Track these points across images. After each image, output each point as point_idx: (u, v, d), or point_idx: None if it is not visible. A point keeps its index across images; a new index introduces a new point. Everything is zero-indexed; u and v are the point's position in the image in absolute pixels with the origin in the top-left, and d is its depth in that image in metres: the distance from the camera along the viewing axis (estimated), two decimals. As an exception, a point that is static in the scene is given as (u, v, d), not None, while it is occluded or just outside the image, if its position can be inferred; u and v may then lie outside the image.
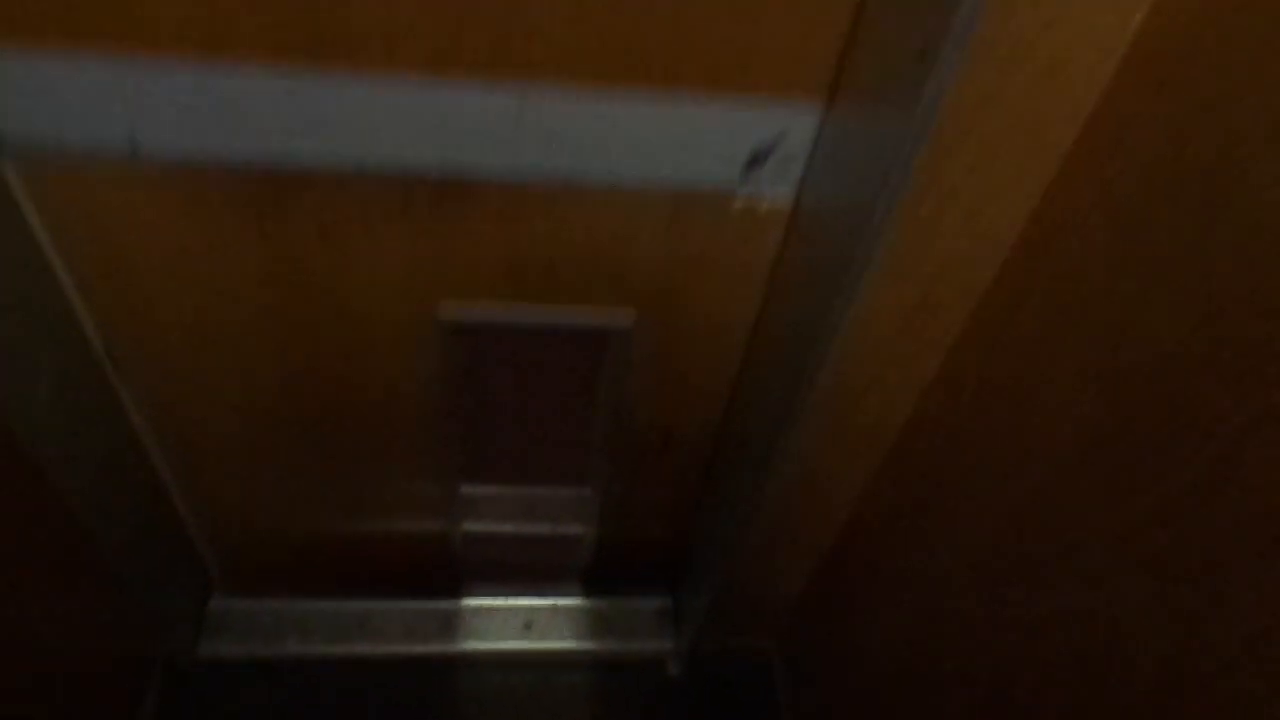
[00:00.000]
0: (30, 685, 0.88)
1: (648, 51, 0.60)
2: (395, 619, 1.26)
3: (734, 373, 0.90)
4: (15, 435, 0.74)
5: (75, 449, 0.82)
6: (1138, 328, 0.53)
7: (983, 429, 0.71)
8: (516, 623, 1.28)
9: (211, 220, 0.70)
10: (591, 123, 0.64)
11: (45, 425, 0.77)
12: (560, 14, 0.58)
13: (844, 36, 0.60)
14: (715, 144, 0.66)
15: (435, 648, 1.25)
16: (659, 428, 0.97)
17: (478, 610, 1.29)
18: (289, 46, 0.58)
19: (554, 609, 1.30)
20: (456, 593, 1.29)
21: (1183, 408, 0.49)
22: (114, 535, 0.92)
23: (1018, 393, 0.66)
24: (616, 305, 0.80)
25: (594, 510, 1.12)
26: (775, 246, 0.75)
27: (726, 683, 1.31)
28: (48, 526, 0.84)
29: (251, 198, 0.69)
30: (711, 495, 1.05)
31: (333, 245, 0.73)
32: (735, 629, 1.26)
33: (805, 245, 0.71)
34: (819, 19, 0.59)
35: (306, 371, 0.87)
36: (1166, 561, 0.51)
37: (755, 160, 0.67)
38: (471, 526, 1.14)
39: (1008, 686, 0.69)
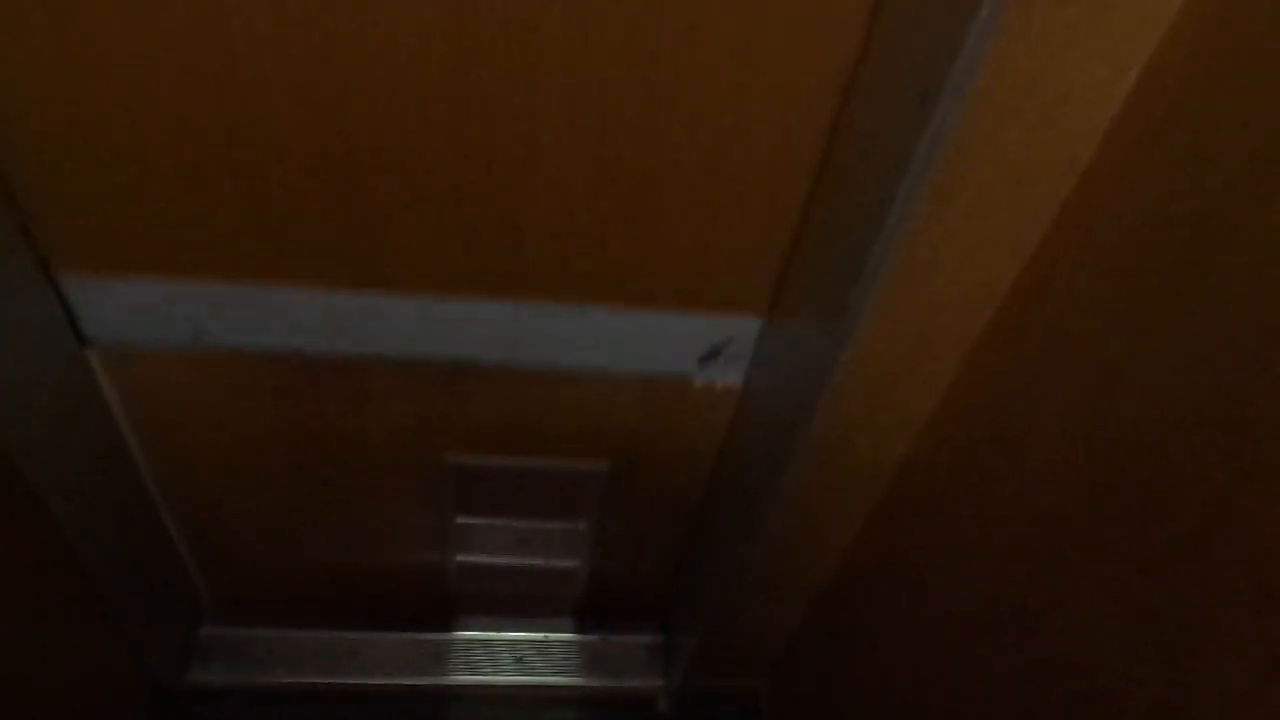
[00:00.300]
0: (20, 710, 0.88)
1: (617, 277, 0.74)
2: (387, 650, 1.25)
3: (700, 496, 1.03)
4: (13, 460, 0.75)
5: (71, 477, 0.82)
6: (1128, 378, 0.54)
7: (976, 474, 0.71)
8: (508, 657, 1.27)
9: (254, 392, 0.85)
10: (575, 326, 0.78)
11: (42, 452, 0.77)
12: (550, 249, 0.71)
13: (784, 256, 0.72)
14: (674, 345, 0.80)
15: (427, 680, 1.24)
16: (633, 542, 1.12)
17: (470, 643, 1.28)
18: (331, 272, 0.72)
19: (545, 643, 1.29)
20: (449, 625, 1.28)
21: (1173, 458, 0.49)
22: (106, 561, 0.92)
23: (1010, 439, 0.66)
24: (594, 457, 0.96)
25: (587, 544, 1.12)
26: (732, 407, 0.89)
27: (717, 722, 1.30)
28: (41, 552, 0.84)
29: (291, 376, 0.82)
30: (704, 535, 1.05)
31: (356, 409, 0.87)
32: (726, 668, 1.25)
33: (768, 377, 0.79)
34: (759, 251, 0.72)
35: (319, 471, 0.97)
36: (1156, 611, 0.51)
37: (709, 356, 0.82)
38: (465, 558, 1.13)
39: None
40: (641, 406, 0.88)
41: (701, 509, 1.04)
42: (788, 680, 1.22)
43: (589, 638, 1.30)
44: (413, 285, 0.73)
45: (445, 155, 0.63)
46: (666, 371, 0.83)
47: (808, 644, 1.13)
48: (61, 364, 0.76)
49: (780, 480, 0.80)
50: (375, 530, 1.08)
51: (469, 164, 0.64)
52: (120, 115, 0.61)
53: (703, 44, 0.58)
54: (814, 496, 0.88)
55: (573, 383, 0.85)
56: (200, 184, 0.65)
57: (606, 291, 0.75)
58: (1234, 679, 0.45)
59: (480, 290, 0.74)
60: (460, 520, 1.06)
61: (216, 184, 0.65)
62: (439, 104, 0.60)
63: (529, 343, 0.79)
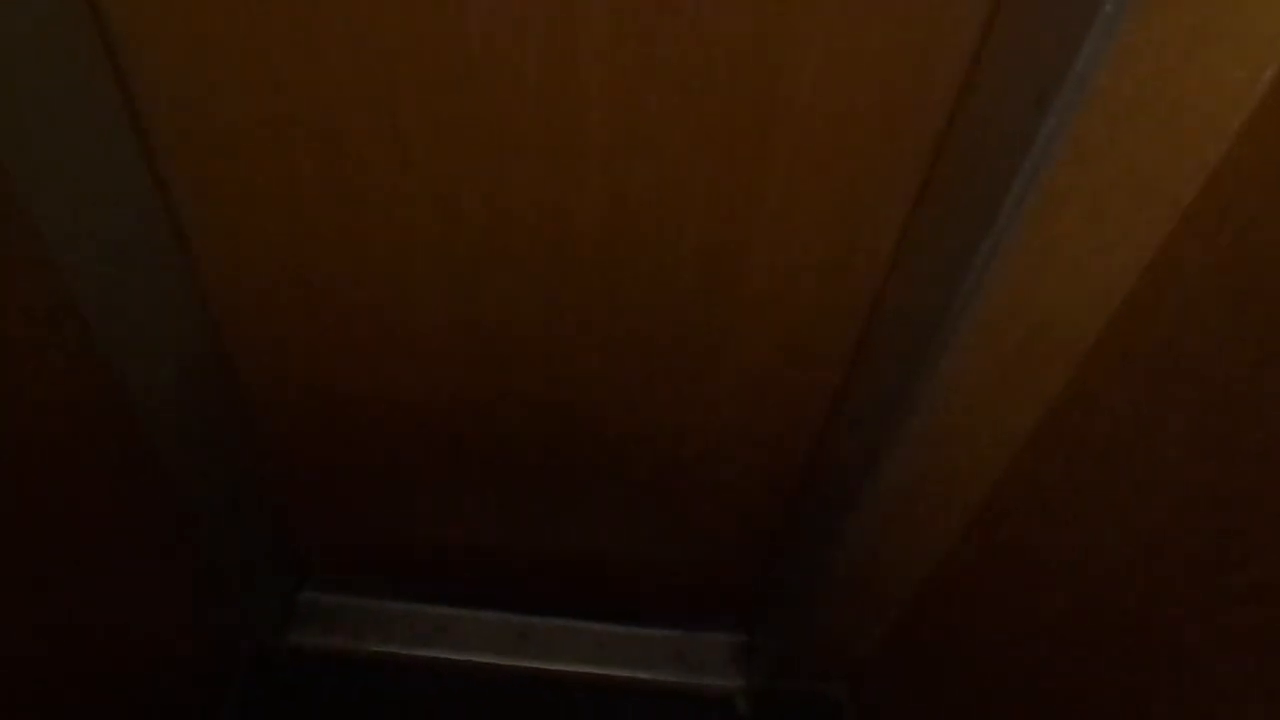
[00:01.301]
0: (134, 668, 0.93)
1: None
2: (473, 628, 1.28)
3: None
4: (133, 418, 0.79)
5: (186, 435, 0.86)
6: (1250, 399, 0.51)
7: (1078, 491, 0.69)
8: (590, 644, 1.29)
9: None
10: None
11: (166, 413, 0.81)
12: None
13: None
14: None
15: (508, 660, 1.26)
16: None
17: (554, 629, 1.30)
18: None
19: (627, 635, 1.30)
20: (535, 609, 1.30)
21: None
22: (215, 519, 0.97)
23: (1116, 456, 0.64)
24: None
25: (671, 538, 1.12)
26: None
27: (796, 727, 1.28)
28: (154, 509, 0.89)
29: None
30: (792, 536, 1.04)
31: None
32: (809, 672, 1.24)
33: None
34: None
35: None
36: (1262, 640, 0.48)
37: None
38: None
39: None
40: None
41: (791, 508, 1.03)
42: (871, 688, 1.20)
43: (671, 633, 1.30)
44: None
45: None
46: None
47: (893, 653, 1.11)
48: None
49: (874, 486, 0.79)
50: (466, 514, 1.10)
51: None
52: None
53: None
54: (907, 505, 0.86)
55: None
56: None
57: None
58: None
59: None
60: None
61: None
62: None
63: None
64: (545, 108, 0.63)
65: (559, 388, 0.89)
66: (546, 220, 0.72)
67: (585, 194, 0.69)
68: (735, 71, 0.60)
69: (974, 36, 0.57)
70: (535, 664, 1.27)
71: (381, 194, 0.71)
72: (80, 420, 0.74)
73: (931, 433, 0.76)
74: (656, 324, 0.81)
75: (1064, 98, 0.49)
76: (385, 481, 1.06)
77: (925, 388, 0.66)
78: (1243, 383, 0.52)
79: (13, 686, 0.74)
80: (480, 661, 1.26)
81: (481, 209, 0.72)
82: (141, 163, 0.69)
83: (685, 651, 1.29)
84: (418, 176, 0.69)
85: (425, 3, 0.59)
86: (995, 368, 0.70)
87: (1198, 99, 0.52)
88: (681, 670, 1.28)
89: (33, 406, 0.68)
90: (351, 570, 1.24)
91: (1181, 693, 0.56)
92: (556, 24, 0.59)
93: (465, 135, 0.66)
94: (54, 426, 0.71)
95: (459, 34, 0.60)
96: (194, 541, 0.97)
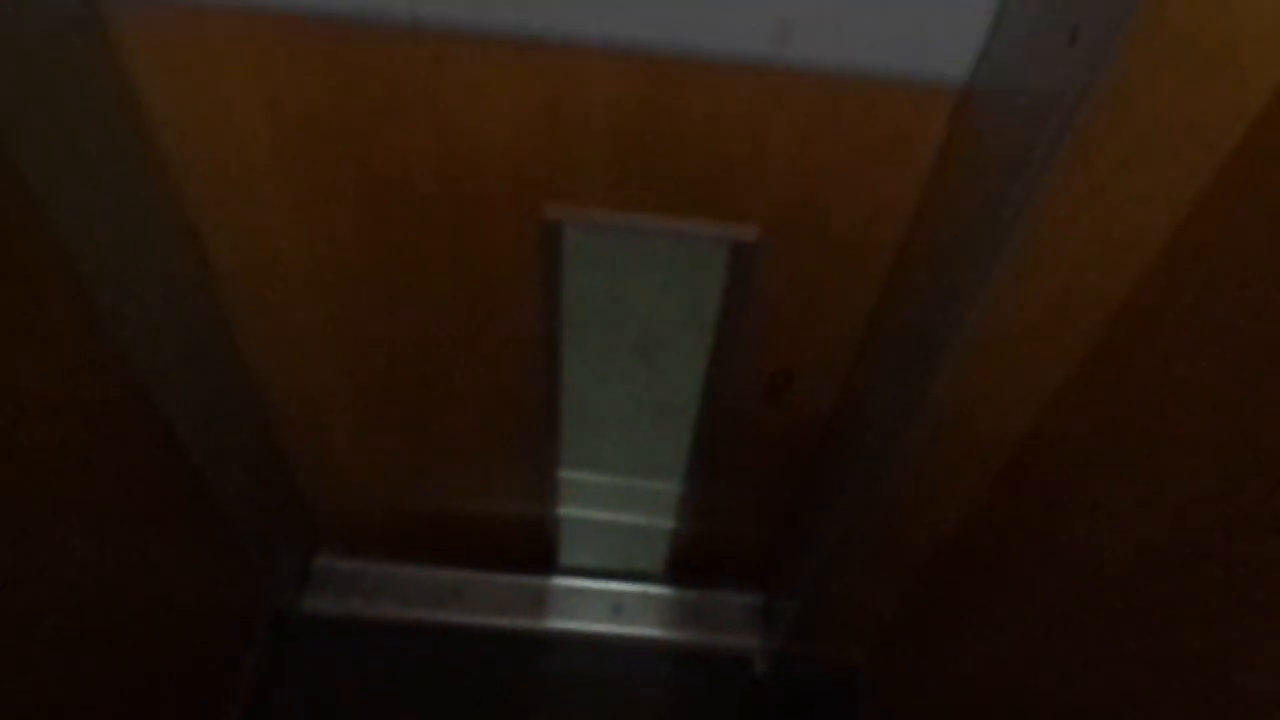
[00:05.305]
0: (152, 632, 0.93)
1: None
2: (489, 591, 1.28)
3: (876, 300, 0.79)
4: (147, 389, 0.78)
5: (200, 404, 0.86)
6: (1297, 351, 0.48)
7: (1110, 450, 0.67)
8: (606, 606, 1.28)
9: (309, 71, 0.64)
10: None
11: (174, 381, 0.81)
12: None
13: None
14: (879, 20, 0.56)
15: (525, 623, 1.27)
16: (779, 367, 0.86)
17: (569, 591, 1.29)
18: None
19: (644, 595, 1.29)
20: (550, 572, 1.30)
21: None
22: (231, 486, 0.96)
23: (1152, 415, 0.61)
24: (739, 219, 0.72)
25: (690, 502, 1.11)
26: (945, 127, 0.63)
27: (812, 688, 1.28)
28: (171, 475, 0.88)
29: (357, 52, 0.62)
30: (812, 497, 1.02)
31: (436, 114, 0.65)
32: (826, 635, 1.23)
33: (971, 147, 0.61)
34: None
35: (411, 295, 0.82)
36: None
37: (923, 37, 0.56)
38: (567, 511, 1.14)
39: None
40: (813, 134, 0.65)
41: (811, 468, 1.02)
42: (890, 651, 1.20)
43: (688, 593, 1.30)
44: None
45: None
46: (856, 65, 0.59)
47: (912, 616, 1.10)
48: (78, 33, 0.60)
49: (896, 446, 0.77)
50: (481, 477, 1.09)
51: None
52: None
53: None
54: (930, 465, 0.84)
55: (716, 83, 0.62)
56: None
57: None
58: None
59: None
60: (564, 474, 1.07)
61: None
62: None
63: (654, 10, 0.57)
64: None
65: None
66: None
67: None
68: None
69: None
70: (551, 626, 1.27)
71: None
72: (95, 398, 0.74)
73: (957, 390, 0.74)
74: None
75: (1099, 36, 0.46)
76: (395, 441, 1.04)
77: (951, 344, 0.64)
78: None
79: (41, 653, 0.74)
80: (496, 624, 1.26)
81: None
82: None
83: (703, 612, 1.29)
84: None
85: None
86: (1024, 323, 0.67)
87: (1243, 42, 0.48)
88: (698, 630, 1.28)
89: (46, 385, 0.68)
90: (368, 535, 1.24)
91: (1217, 659, 0.54)
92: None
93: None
94: (67, 406, 0.71)
95: None
96: (212, 510, 0.96)
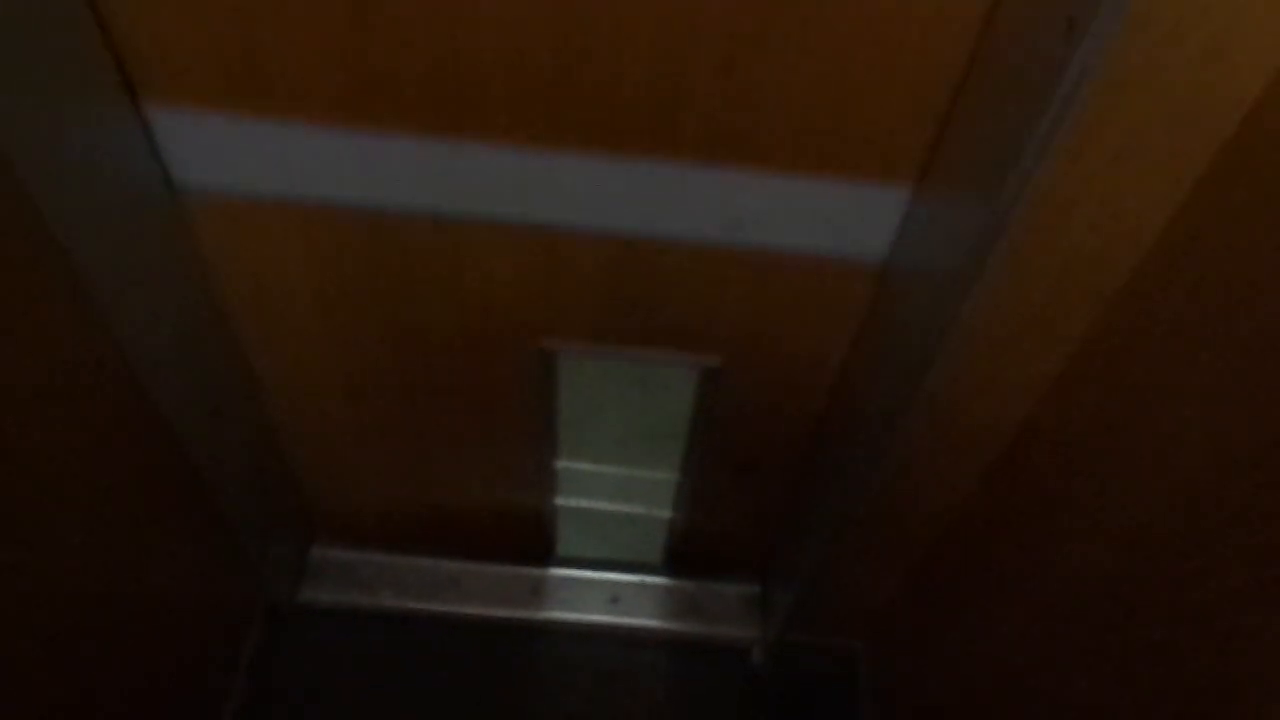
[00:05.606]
0: (148, 624, 0.93)
1: (738, 129, 0.64)
2: (486, 581, 1.28)
3: (823, 405, 0.93)
4: (138, 380, 0.78)
5: (192, 395, 0.85)
6: (1293, 339, 0.48)
7: (1107, 438, 0.67)
8: (603, 596, 1.29)
9: (348, 249, 0.78)
10: (687, 187, 0.69)
11: (165, 371, 0.80)
12: (658, 95, 0.62)
13: (939, 122, 0.63)
14: (805, 214, 0.71)
15: (522, 613, 1.27)
16: (747, 457, 1.03)
17: (567, 580, 1.29)
18: (429, 118, 0.65)
19: (642, 586, 1.30)
20: (548, 562, 1.30)
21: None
22: (228, 479, 0.96)
23: (1148, 404, 0.61)
24: (704, 351, 0.87)
25: (687, 493, 1.11)
26: (872, 285, 0.78)
27: (810, 678, 1.28)
28: (167, 467, 0.88)
29: (385, 234, 0.76)
30: (808, 487, 1.02)
31: (450, 276, 0.80)
32: (823, 625, 1.23)
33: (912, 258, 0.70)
34: (910, 115, 0.62)
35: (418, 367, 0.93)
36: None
37: (847, 225, 0.72)
38: (565, 501, 1.14)
39: (1114, 717, 0.65)
40: (764, 287, 0.78)
41: (807, 460, 1.02)
42: (887, 639, 1.20)
43: (685, 583, 1.30)
44: (510, 134, 0.66)
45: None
46: (795, 245, 0.73)
47: (909, 605, 1.10)
48: (150, 206, 0.71)
49: (891, 437, 0.77)
50: (478, 467, 1.09)
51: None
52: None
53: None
54: (925, 456, 0.84)
55: (684, 256, 0.76)
56: (298, 10, 0.59)
57: (723, 147, 0.65)
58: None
59: (582, 144, 0.66)
60: (561, 465, 1.07)
61: (315, 10, 0.59)
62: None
63: (633, 206, 0.70)
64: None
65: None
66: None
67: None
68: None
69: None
70: (549, 615, 1.27)
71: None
72: (90, 392, 0.74)
73: (955, 378, 0.74)
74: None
75: (1097, 24, 0.46)
76: (396, 437, 1.04)
77: (950, 331, 0.64)
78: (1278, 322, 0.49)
79: (38, 645, 0.74)
80: (494, 615, 1.26)
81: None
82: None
83: (700, 602, 1.29)
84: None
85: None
86: (1022, 309, 0.68)
87: (1241, 30, 0.48)
88: (695, 620, 1.28)
89: (42, 380, 0.67)
90: (364, 526, 1.24)
91: (1211, 647, 0.54)
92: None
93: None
94: (62, 401, 0.71)
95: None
96: (208, 502, 0.96)
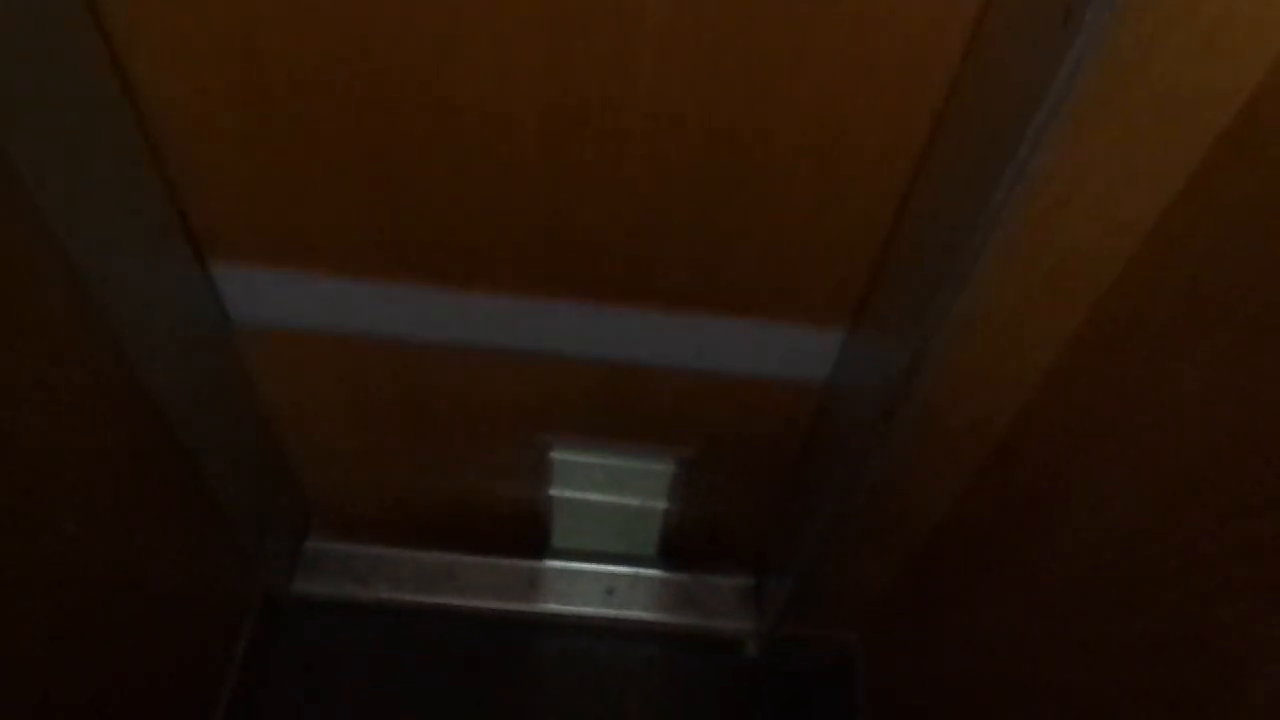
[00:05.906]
0: (144, 616, 0.93)
1: (700, 285, 0.79)
2: (481, 574, 1.28)
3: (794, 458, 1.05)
4: (138, 374, 0.78)
5: (191, 388, 0.86)
6: (1286, 332, 0.48)
7: (1099, 431, 0.67)
8: (599, 588, 1.29)
9: (374, 369, 0.94)
10: (658, 329, 0.84)
11: (166, 365, 0.80)
12: (638, 257, 0.76)
13: (870, 276, 0.76)
14: (762, 348, 0.86)
15: (517, 605, 1.27)
16: (729, 488, 1.14)
17: (562, 573, 1.30)
18: (445, 272, 0.80)
19: (637, 578, 1.30)
20: (543, 554, 1.30)
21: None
22: (223, 470, 0.96)
23: (1143, 395, 0.61)
24: (682, 445, 1.04)
25: (681, 484, 1.11)
26: (814, 402, 0.94)
27: (805, 670, 1.28)
28: (163, 459, 0.88)
29: (404, 358, 0.92)
30: (804, 479, 1.02)
31: (460, 388, 0.95)
32: (818, 617, 1.23)
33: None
34: (844, 274, 0.76)
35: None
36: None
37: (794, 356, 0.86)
38: (559, 492, 1.14)
39: (1112, 710, 0.65)
40: (727, 401, 0.95)
41: (799, 458, 1.02)
42: (882, 632, 1.20)
43: (680, 576, 1.30)
44: (512, 287, 0.80)
45: (537, 165, 0.68)
46: (751, 371, 0.89)
47: (904, 597, 1.11)
48: (209, 340, 0.87)
49: (883, 435, 0.77)
50: (473, 460, 1.09)
51: (560, 175, 0.69)
52: (283, 126, 0.67)
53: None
54: (920, 451, 0.85)
55: (660, 377, 0.91)
56: (342, 189, 0.72)
57: (688, 299, 0.81)
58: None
59: (576, 295, 0.81)
60: (555, 455, 1.07)
61: (356, 191, 0.72)
62: (530, 114, 0.64)
63: (617, 342, 0.86)
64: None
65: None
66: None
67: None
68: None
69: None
70: (544, 608, 1.27)
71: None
72: (86, 383, 0.74)
73: (950, 370, 0.74)
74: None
75: (1093, 15, 0.46)
76: (393, 427, 1.04)
77: (943, 323, 0.64)
78: (1276, 319, 0.49)
79: (33, 636, 0.74)
80: (489, 607, 1.26)
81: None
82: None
83: (695, 594, 1.29)
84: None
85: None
86: (1016, 302, 0.67)
87: (1238, 20, 0.48)
88: (690, 613, 1.28)
89: (37, 371, 0.68)
90: (359, 519, 1.24)
91: (1206, 640, 0.55)
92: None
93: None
94: (57, 391, 0.71)
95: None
96: (203, 494, 0.96)
